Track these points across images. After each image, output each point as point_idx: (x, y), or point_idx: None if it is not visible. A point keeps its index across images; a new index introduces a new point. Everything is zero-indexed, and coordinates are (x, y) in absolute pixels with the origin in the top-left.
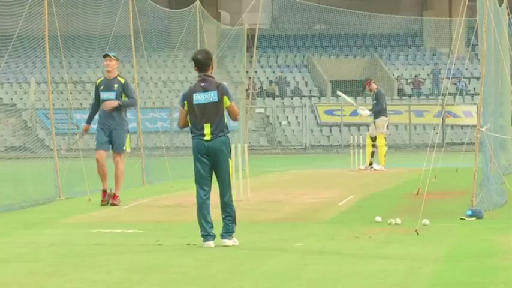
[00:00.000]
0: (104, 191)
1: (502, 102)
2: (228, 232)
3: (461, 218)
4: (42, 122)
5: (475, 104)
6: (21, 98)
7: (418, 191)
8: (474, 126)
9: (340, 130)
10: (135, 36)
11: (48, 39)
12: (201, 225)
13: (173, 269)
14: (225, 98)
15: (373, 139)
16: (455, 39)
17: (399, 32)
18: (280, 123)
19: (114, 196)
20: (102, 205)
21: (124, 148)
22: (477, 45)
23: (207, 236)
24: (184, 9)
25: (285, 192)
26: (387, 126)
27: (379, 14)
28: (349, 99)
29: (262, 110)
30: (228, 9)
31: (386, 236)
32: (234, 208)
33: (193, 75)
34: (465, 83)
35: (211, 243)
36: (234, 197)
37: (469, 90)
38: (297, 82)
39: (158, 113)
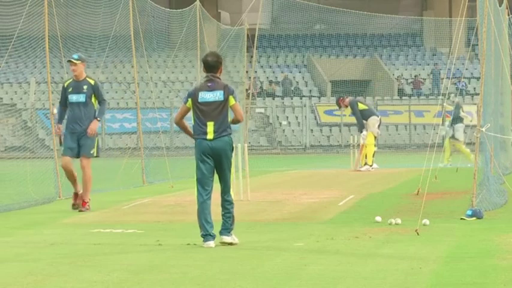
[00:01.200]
0: (76, 194)
1: (502, 102)
2: (227, 229)
3: (461, 218)
4: (42, 122)
5: (475, 104)
6: (21, 98)
7: (418, 191)
8: (474, 126)
9: (340, 130)
10: (135, 36)
11: (48, 39)
12: (201, 226)
13: (173, 269)
14: (231, 97)
15: (374, 138)
16: (455, 39)
17: (399, 32)
18: (280, 123)
19: (84, 203)
20: (73, 209)
21: (92, 152)
22: (477, 45)
23: (207, 236)
24: (184, 9)
25: (285, 192)
26: (378, 126)
27: (379, 14)
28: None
29: (262, 110)
30: (228, 9)
31: (386, 236)
32: (233, 207)
33: (193, 75)
34: (465, 83)
35: (211, 243)
36: (234, 197)
37: (469, 90)
38: (297, 82)
39: (158, 113)
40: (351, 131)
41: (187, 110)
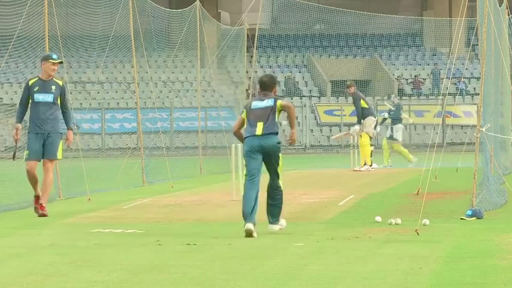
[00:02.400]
0: (37, 197)
1: (502, 102)
2: (274, 217)
3: (461, 218)
4: None
5: (475, 104)
6: None
7: (418, 191)
8: (474, 126)
9: (340, 130)
10: (135, 36)
11: (48, 39)
12: (245, 208)
13: (173, 269)
14: (279, 102)
15: (370, 139)
16: (455, 39)
17: (399, 32)
18: (280, 123)
19: (42, 206)
20: (36, 212)
21: (57, 155)
22: (477, 45)
23: (248, 218)
24: (184, 9)
25: (285, 192)
26: (375, 127)
27: (379, 14)
28: (341, 134)
29: None
30: (228, 9)
31: (386, 236)
32: (282, 194)
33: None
34: (465, 83)
35: (250, 225)
36: (234, 197)
37: (469, 91)
38: (297, 82)
39: (158, 113)
40: (352, 133)
41: (243, 121)
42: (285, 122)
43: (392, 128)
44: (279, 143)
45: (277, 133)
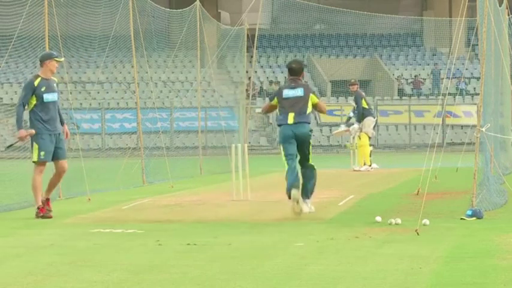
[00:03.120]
0: (48, 200)
1: (502, 102)
2: (306, 192)
3: (461, 218)
4: None
5: (475, 104)
6: None
7: (418, 191)
8: (474, 126)
9: None
10: (135, 36)
11: (48, 39)
12: (288, 180)
13: (173, 269)
14: (312, 96)
15: (369, 139)
16: (455, 39)
17: (399, 32)
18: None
19: (48, 202)
20: (44, 215)
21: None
22: (477, 45)
23: (291, 187)
24: (184, 9)
25: (284, 192)
26: (374, 127)
27: (379, 14)
28: (341, 129)
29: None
30: (228, 9)
31: (386, 236)
32: (316, 172)
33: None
34: (465, 83)
35: (295, 191)
36: (234, 197)
37: (469, 91)
38: None
39: (158, 113)
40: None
41: (272, 106)
42: None
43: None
44: (310, 131)
45: (308, 122)
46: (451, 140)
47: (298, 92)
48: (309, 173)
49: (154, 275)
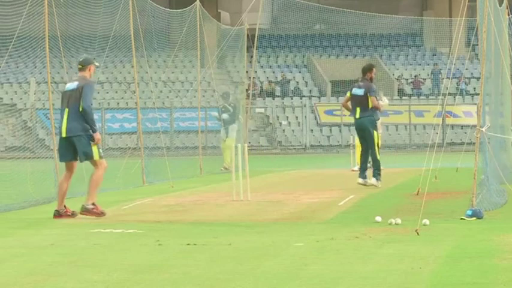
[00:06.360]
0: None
1: (502, 102)
2: (374, 176)
3: (461, 218)
4: (42, 122)
5: (475, 104)
6: (21, 98)
7: (418, 191)
8: (474, 126)
9: (340, 130)
10: (135, 36)
11: (48, 39)
12: (361, 164)
13: (173, 269)
14: (371, 99)
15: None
16: (455, 39)
17: (399, 32)
18: (280, 123)
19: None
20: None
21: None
22: (477, 45)
23: (360, 174)
24: (184, 9)
25: (285, 192)
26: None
27: (379, 14)
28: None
29: (262, 110)
30: (228, 9)
31: (386, 236)
32: (379, 162)
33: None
34: (465, 83)
35: (360, 180)
36: (234, 197)
37: (469, 91)
38: (297, 82)
39: (158, 113)
40: (351, 131)
41: (349, 98)
42: (284, 122)
43: (227, 128)
44: (371, 122)
45: (370, 115)
46: (451, 140)
47: (362, 91)
48: (373, 162)
49: (154, 275)
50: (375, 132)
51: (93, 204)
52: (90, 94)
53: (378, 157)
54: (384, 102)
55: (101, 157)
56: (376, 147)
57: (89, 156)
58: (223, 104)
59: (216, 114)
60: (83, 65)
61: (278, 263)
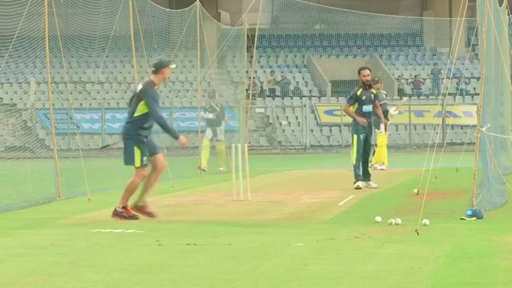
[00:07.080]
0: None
1: (502, 102)
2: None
3: (461, 218)
4: (42, 122)
5: (475, 104)
6: (21, 98)
7: (418, 191)
8: (474, 126)
9: (340, 130)
10: (135, 36)
11: (48, 39)
12: (356, 170)
13: (173, 269)
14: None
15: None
16: (455, 39)
17: (399, 32)
18: (280, 123)
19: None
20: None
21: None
22: (477, 45)
23: (357, 179)
24: (184, 9)
25: (285, 192)
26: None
27: (379, 14)
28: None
29: (262, 110)
30: (228, 9)
31: (386, 236)
32: (354, 166)
33: (193, 75)
34: (465, 83)
35: (360, 183)
36: (234, 197)
37: (469, 91)
38: (297, 82)
39: None
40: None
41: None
42: (284, 122)
43: (215, 130)
44: (352, 126)
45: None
46: (451, 140)
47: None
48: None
49: (154, 275)
50: (355, 136)
51: (123, 207)
52: (154, 103)
53: (354, 162)
54: (393, 112)
55: (143, 165)
56: (355, 152)
57: (128, 161)
58: (209, 103)
59: (204, 114)
60: (157, 68)
61: (278, 263)
